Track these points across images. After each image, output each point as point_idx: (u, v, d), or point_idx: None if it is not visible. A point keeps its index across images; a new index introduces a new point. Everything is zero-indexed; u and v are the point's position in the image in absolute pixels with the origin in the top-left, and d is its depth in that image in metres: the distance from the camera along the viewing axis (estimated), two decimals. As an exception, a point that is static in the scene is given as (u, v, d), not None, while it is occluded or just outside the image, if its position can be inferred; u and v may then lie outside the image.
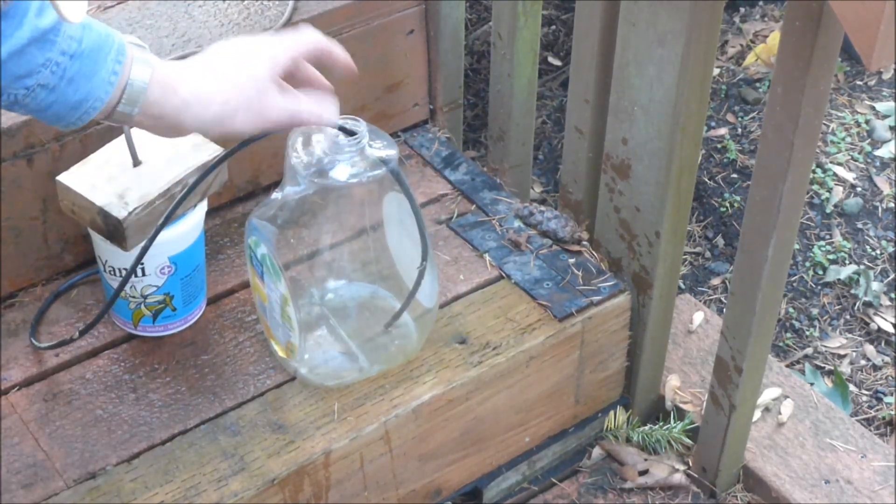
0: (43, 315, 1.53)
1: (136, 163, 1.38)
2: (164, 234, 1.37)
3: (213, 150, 1.40)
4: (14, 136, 1.46)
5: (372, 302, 1.50)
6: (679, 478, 1.67)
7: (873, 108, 2.49)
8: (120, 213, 1.33)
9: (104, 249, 1.43)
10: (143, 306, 1.47)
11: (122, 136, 1.39)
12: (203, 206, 1.46)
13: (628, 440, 1.71)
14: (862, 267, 2.20)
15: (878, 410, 1.98)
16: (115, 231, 1.35)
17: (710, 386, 1.59)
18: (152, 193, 1.35)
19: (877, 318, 2.13)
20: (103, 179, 1.36)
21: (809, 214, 2.27)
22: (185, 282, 1.48)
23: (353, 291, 1.49)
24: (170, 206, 1.35)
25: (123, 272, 1.43)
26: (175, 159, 1.39)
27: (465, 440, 1.56)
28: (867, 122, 2.45)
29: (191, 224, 1.44)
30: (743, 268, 1.45)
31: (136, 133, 1.40)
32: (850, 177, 2.34)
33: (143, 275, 1.44)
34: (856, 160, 2.38)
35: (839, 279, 2.18)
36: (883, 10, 1.03)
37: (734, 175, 2.33)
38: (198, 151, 1.40)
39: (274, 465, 1.39)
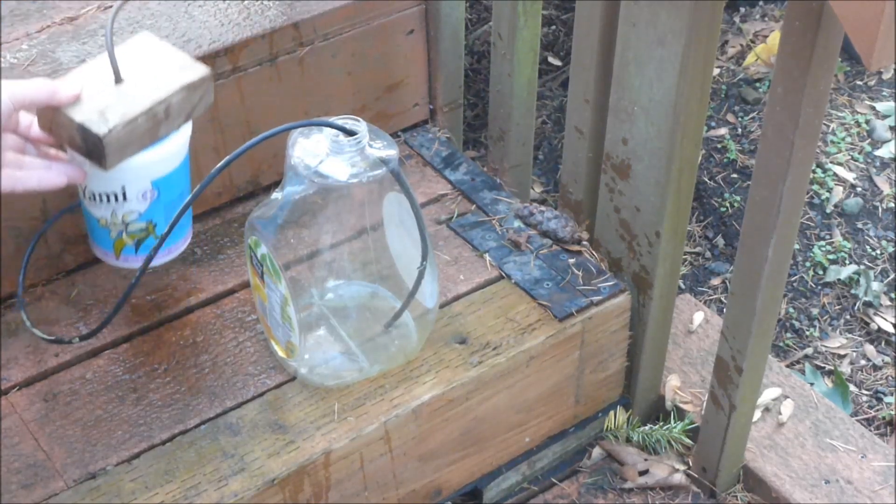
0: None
1: (119, 80, 1.30)
2: (146, 156, 1.31)
3: (199, 72, 1.33)
4: (14, 136, 1.46)
5: (372, 302, 1.50)
6: (679, 478, 1.67)
7: (873, 108, 2.49)
8: (100, 129, 1.26)
9: None
10: (124, 234, 1.42)
11: (105, 54, 1.32)
12: (188, 129, 1.40)
13: (628, 440, 1.72)
14: (862, 267, 2.20)
15: (878, 410, 1.98)
16: (94, 149, 1.28)
17: (710, 386, 1.59)
18: (134, 111, 1.28)
19: (877, 318, 2.13)
20: (84, 96, 1.29)
21: (809, 214, 2.27)
22: (168, 209, 1.41)
23: (353, 291, 1.49)
24: (157, 132, 1.29)
25: (104, 197, 1.37)
26: (159, 78, 1.32)
27: (465, 440, 1.56)
28: (867, 122, 2.45)
29: (175, 146, 1.38)
30: (743, 268, 1.45)
31: (120, 51, 1.33)
32: (850, 177, 2.34)
33: (125, 199, 1.38)
34: (856, 160, 2.38)
35: (839, 279, 2.18)
36: (883, 10, 1.03)
37: (734, 175, 2.33)
38: (183, 71, 1.34)
39: (274, 465, 1.39)
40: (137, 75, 1.31)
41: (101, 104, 1.28)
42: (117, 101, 1.28)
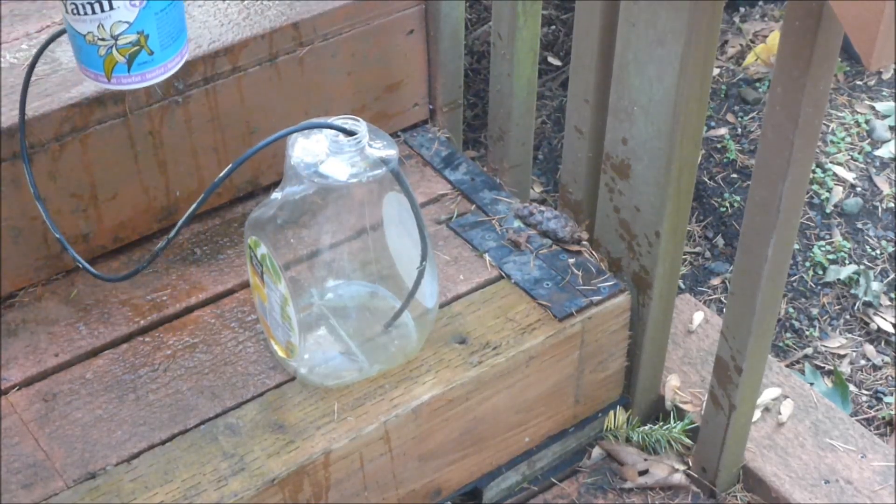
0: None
1: None
2: None
3: None
4: (14, 135, 1.46)
5: (372, 302, 1.50)
6: (679, 478, 1.67)
7: (873, 108, 2.49)
8: None
9: None
10: (114, 50, 1.29)
11: None
12: None
13: (628, 440, 1.72)
14: (862, 267, 2.20)
15: (878, 410, 1.98)
16: None
17: (709, 386, 1.59)
18: None
19: (877, 318, 2.13)
20: None
21: (809, 214, 2.27)
22: (160, 18, 1.29)
23: (352, 291, 1.49)
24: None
25: (87, 8, 1.27)
26: None
27: (464, 440, 1.56)
28: (867, 122, 2.45)
29: None
30: (743, 268, 1.45)
31: None
32: (849, 177, 2.34)
33: (111, 8, 1.26)
34: (856, 160, 2.38)
35: (839, 279, 2.18)
36: (883, 10, 1.03)
37: (734, 175, 2.33)
38: None
39: (274, 465, 1.39)
40: None
41: None
42: None
